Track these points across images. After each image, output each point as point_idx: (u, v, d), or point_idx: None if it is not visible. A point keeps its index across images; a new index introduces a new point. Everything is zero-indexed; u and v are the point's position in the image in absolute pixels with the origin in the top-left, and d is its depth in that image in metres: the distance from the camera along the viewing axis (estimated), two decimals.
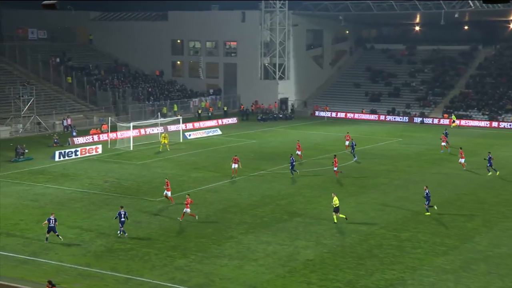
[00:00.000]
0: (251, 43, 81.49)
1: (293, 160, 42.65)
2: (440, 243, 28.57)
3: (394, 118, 75.41)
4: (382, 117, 76.40)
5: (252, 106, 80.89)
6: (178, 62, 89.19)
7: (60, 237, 28.08)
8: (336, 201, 31.31)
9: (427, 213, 33.18)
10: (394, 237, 29.41)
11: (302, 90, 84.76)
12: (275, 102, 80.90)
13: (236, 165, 42.30)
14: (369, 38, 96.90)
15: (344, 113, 78.96)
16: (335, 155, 43.31)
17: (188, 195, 33.00)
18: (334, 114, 78.71)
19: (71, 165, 46.07)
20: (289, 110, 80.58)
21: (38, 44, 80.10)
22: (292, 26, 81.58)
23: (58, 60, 77.52)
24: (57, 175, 42.45)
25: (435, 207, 33.65)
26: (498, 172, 43.13)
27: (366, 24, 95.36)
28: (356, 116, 78.04)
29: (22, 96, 61.53)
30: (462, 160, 44.99)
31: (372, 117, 76.90)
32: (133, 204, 34.86)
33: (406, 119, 74.94)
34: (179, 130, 59.43)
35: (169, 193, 34.94)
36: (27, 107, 61.45)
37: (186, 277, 24.42)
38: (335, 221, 31.14)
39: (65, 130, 62.85)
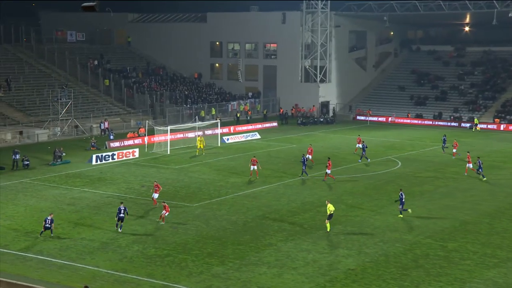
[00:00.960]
0: (292, 45, 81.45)
1: (304, 159, 43.41)
2: (491, 255, 27.87)
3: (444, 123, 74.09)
4: (428, 122, 75.15)
5: (292, 109, 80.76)
6: (217, 65, 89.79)
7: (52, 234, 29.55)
8: (330, 207, 30.85)
9: (400, 216, 33.17)
10: (441, 247, 28.86)
11: (344, 93, 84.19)
12: (313, 106, 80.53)
13: (255, 167, 42.97)
14: (415, 40, 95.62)
15: (385, 117, 78.01)
16: (328, 158, 43.51)
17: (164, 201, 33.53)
18: (378, 119, 77.85)
19: (108, 169, 46.83)
20: (330, 114, 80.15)
21: (77, 47, 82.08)
22: (334, 27, 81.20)
23: (96, 62, 79.22)
24: (94, 179, 43.24)
25: (409, 210, 33.45)
26: (485, 178, 42.88)
27: (412, 25, 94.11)
28: (401, 120, 76.95)
29: (60, 99, 62.99)
30: (470, 165, 44.61)
31: (417, 121, 75.74)
32: (170, 209, 35.19)
33: (454, 124, 73.51)
34: (217, 134, 59.73)
35: (156, 195, 35.59)
36: (65, 110, 62.89)
37: (223, 285, 24.50)
38: (328, 229, 30.50)
39: (102, 133, 63.94)
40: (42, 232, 29.82)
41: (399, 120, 76.55)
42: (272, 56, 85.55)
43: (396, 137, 60.91)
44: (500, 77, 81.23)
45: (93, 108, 69.48)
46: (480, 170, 43.17)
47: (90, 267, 26.15)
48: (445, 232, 31.22)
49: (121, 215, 30.63)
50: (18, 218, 33.23)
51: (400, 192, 33.91)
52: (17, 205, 35.90)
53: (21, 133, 59.77)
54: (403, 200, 33.76)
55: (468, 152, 47.00)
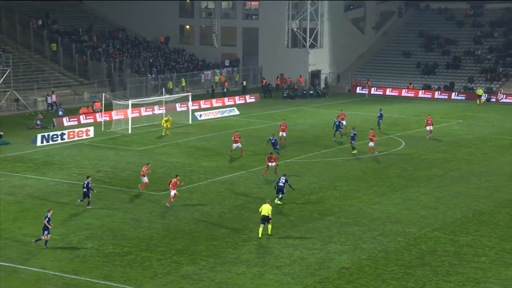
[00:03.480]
0: (276, 3, 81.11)
1: (274, 139, 43.76)
2: (511, 251, 28.25)
3: (453, 95, 74.70)
4: (436, 94, 75.65)
5: (276, 80, 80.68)
6: (187, 27, 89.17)
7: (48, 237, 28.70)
8: (265, 208, 29.34)
9: (279, 202, 33.86)
10: (451, 242, 29.19)
11: (338, 61, 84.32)
12: (300, 76, 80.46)
13: (238, 144, 43.91)
14: None
15: (390, 89, 78.42)
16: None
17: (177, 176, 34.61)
18: (378, 91, 78.25)
19: (56, 151, 46.44)
20: (322, 86, 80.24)
21: (15, 3, 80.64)
22: None
23: (40, 22, 78.10)
24: (39, 163, 42.92)
25: (278, 201, 33.77)
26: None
27: None
28: (404, 93, 77.32)
29: None
30: (429, 128, 50.24)
31: (424, 94, 76.23)
32: (131, 199, 35.12)
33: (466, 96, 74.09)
34: (188, 110, 59.51)
35: (144, 179, 36.21)
36: (1, 80, 62.17)
37: (194, 287, 24.58)
38: (260, 235, 29.29)
39: (49, 108, 63.44)
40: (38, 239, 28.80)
41: (407, 93, 76.79)
42: (253, 17, 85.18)
43: (400, 112, 61.27)
44: None
45: (37, 78, 68.77)
46: (352, 142, 45.10)
47: (34, 269, 26.02)
48: (456, 224, 31.54)
49: (84, 189, 33.31)
50: None
51: (282, 179, 34.39)
52: None
53: None
54: (283, 187, 34.36)
55: (429, 115, 52.50)
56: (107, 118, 57.04)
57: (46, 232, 28.07)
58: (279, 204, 34.08)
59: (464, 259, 27.28)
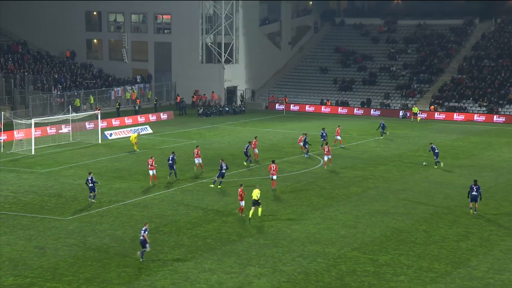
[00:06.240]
0: (190, 17, 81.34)
1: (222, 167, 42.20)
2: (428, 268, 29.15)
3: (370, 112, 76.77)
4: (355, 111, 77.56)
5: (193, 97, 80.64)
6: (95, 41, 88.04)
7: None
8: (255, 193, 35.08)
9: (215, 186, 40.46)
10: (371, 261, 29.84)
11: (254, 77, 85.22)
12: (212, 92, 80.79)
13: (199, 159, 46.33)
14: (338, 11, 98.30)
15: (308, 105, 79.85)
16: (273, 160, 43.24)
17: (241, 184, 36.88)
18: (295, 108, 79.52)
19: None
20: (238, 102, 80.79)
21: None
22: None
23: None
24: None
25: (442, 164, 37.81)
26: (442, 163, 48.44)
27: None
28: (324, 109, 78.97)
29: None
30: (338, 138, 55.60)
31: (343, 110, 78.03)
32: (35, 225, 34.18)
33: (383, 112, 76.33)
34: (97, 129, 58.77)
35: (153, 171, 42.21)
36: None
37: None
38: (250, 216, 35.04)
39: None
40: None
41: (325, 109, 78.54)
42: (166, 31, 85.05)
43: (317, 129, 62.24)
44: (437, 56, 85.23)
45: None
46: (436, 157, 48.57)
47: None
48: (375, 243, 32.27)
49: (91, 185, 38.37)
50: None
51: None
52: None
53: None
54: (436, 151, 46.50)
55: (339, 126, 57.38)
56: (7, 139, 55.42)
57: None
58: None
59: (383, 279, 27.93)
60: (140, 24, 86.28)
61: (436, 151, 48.30)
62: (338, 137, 55.82)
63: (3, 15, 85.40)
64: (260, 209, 35.39)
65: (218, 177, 42.33)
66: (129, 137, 55.80)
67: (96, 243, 31.64)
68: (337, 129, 56.70)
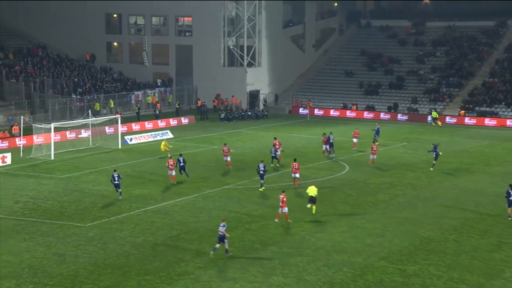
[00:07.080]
0: (211, 19, 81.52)
1: (259, 168, 43.13)
2: (459, 280, 28.85)
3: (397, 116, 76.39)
4: (381, 115, 77.22)
5: (214, 101, 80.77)
6: (115, 44, 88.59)
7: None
8: (311, 190, 37.06)
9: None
10: (399, 272, 29.61)
11: (277, 81, 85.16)
12: (233, 97, 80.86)
13: (228, 157, 48.41)
14: (364, 12, 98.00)
15: (333, 110, 79.65)
16: (295, 159, 44.39)
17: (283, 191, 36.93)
18: (319, 112, 79.34)
19: None
20: (261, 107, 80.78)
21: None
22: None
23: None
24: None
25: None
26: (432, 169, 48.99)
27: None
28: (349, 113, 78.73)
29: None
30: (355, 140, 55.64)
31: (369, 115, 77.71)
32: (55, 232, 34.38)
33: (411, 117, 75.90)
34: (117, 133, 59.03)
35: (172, 172, 43.83)
36: None
37: None
38: (313, 212, 37.10)
39: None
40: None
41: (350, 114, 78.39)
42: (187, 33, 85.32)
43: (343, 134, 61.99)
44: (467, 59, 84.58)
45: None
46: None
47: None
48: (403, 253, 32.01)
49: (116, 182, 40.24)
50: None
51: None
52: None
53: None
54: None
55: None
56: (26, 143, 55.84)
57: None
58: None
59: None
60: (161, 27, 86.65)
61: (438, 153, 49.01)
62: (355, 140, 56.47)
63: (22, 17, 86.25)
64: (314, 207, 37.16)
65: (261, 179, 42.92)
66: (153, 142, 55.49)
67: (116, 251, 31.74)
68: (355, 132, 57.25)
